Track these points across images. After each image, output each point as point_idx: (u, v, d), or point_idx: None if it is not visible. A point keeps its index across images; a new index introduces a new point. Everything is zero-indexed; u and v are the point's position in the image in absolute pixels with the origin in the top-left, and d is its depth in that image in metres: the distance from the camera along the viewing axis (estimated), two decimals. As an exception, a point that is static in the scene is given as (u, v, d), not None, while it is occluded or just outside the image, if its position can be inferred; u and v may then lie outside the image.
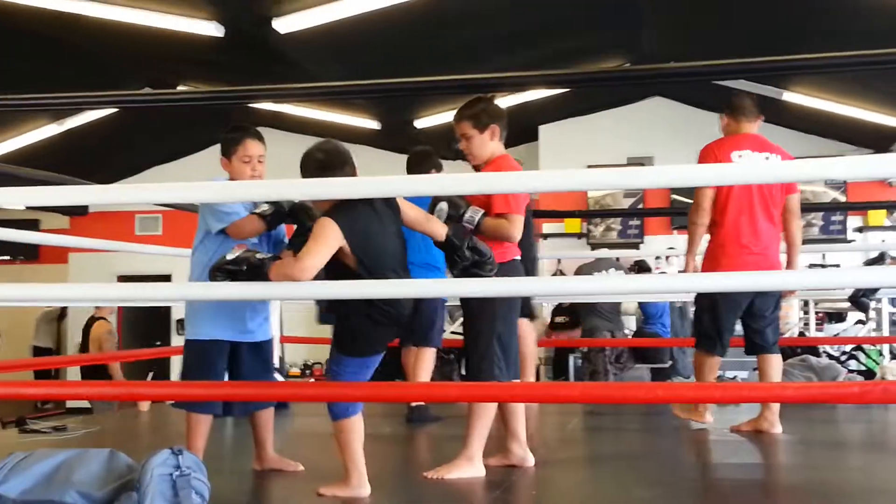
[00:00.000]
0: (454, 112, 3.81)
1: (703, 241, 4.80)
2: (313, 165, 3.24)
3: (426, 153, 5.31)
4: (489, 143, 3.70)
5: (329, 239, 3.06)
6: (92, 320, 9.29)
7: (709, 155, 4.80)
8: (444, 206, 3.48)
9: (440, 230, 3.28)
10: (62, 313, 13.48)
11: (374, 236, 3.17)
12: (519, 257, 3.72)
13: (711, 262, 4.68)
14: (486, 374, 3.52)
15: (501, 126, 3.73)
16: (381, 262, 3.15)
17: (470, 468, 3.55)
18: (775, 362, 4.87)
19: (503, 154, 3.74)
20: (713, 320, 4.73)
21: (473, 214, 3.52)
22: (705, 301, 4.77)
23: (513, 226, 3.57)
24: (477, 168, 3.77)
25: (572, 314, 8.98)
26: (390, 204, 3.25)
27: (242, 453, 4.07)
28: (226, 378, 3.67)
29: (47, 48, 8.39)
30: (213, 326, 3.62)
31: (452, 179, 3.10)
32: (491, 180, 3.10)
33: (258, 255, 3.03)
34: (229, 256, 3.01)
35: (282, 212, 3.56)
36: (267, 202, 3.53)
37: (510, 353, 3.64)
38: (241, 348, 3.69)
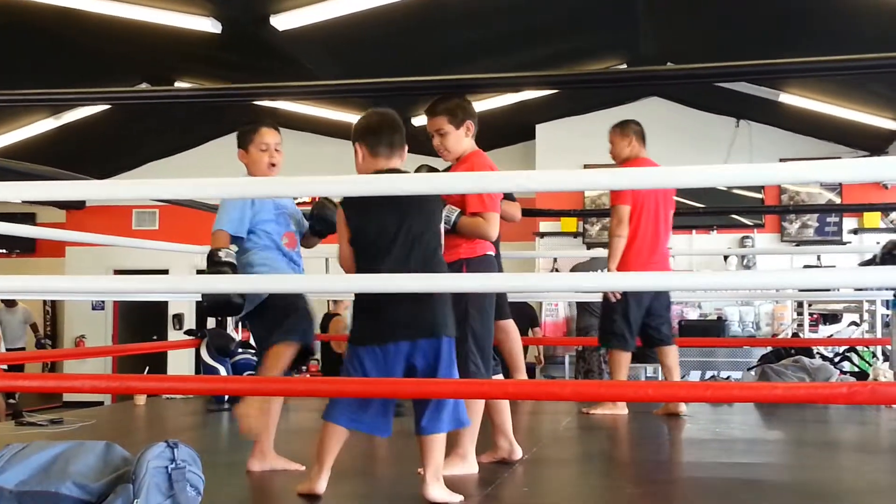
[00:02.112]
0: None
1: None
2: (366, 127, 3.28)
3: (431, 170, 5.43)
4: (464, 139, 3.70)
5: (341, 226, 3.21)
6: (329, 316, 9.35)
7: None
8: None
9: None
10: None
11: (371, 232, 3.15)
12: (493, 253, 3.72)
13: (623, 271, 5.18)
14: (461, 371, 3.49)
15: (475, 122, 3.73)
16: (375, 258, 3.13)
17: (463, 465, 3.58)
18: (672, 352, 5.52)
19: (476, 150, 3.74)
20: (625, 320, 5.31)
21: (449, 214, 3.54)
22: (618, 305, 5.30)
23: (489, 224, 3.58)
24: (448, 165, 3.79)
25: None
26: (424, 204, 3.18)
27: (241, 448, 4.09)
28: None
29: (43, 42, 8.39)
30: None
31: (445, 179, 3.13)
32: (483, 180, 3.12)
33: None
34: None
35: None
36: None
37: (486, 350, 3.63)
38: None
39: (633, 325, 5.36)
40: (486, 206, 3.57)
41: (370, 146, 3.24)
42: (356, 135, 3.29)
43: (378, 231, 3.14)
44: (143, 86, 9.78)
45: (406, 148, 3.30)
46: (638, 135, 5.44)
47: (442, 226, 3.48)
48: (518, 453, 3.84)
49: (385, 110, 3.34)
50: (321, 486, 3.19)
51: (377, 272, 3.09)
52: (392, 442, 3.36)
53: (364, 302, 3.18)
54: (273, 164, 3.75)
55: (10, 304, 12.00)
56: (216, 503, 3.10)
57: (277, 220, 3.77)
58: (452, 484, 3.30)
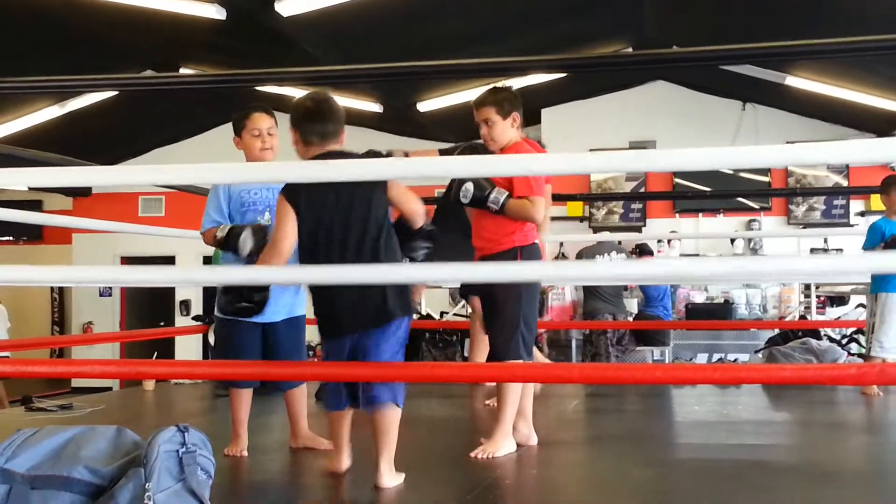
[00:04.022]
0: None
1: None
2: (299, 114, 3.25)
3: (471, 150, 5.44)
4: (510, 129, 3.79)
5: (285, 216, 3.11)
6: None
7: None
8: (469, 186, 3.59)
9: (417, 217, 3.22)
10: None
11: (317, 220, 3.11)
12: (537, 241, 3.80)
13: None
14: (514, 354, 3.63)
15: (520, 114, 3.83)
16: (317, 245, 3.11)
17: (509, 443, 3.67)
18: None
19: (520, 141, 3.84)
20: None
21: (498, 195, 3.62)
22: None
23: (535, 207, 3.67)
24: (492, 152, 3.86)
25: None
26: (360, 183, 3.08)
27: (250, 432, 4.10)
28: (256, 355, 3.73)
29: (48, 29, 8.38)
30: None
31: (457, 162, 3.13)
32: (494, 163, 3.13)
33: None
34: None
35: (230, 244, 3.57)
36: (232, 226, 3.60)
37: (534, 334, 3.77)
38: (270, 327, 3.73)
39: None
40: (533, 190, 3.67)
41: (304, 133, 3.22)
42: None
43: (322, 221, 3.10)
44: (149, 72, 9.77)
45: (344, 133, 3.27)
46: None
47: (491, 206, 3.59)
48: (533, 440, 3.87)
49: (321, 95, 3.34)
50: (342, 465, 3.29)
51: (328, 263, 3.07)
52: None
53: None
54: (266, 149, 3.74)
55: None
56: (227, 486, 3.12)
57: (243, 218, 3.70)
58: (461, 466, 3.30)
